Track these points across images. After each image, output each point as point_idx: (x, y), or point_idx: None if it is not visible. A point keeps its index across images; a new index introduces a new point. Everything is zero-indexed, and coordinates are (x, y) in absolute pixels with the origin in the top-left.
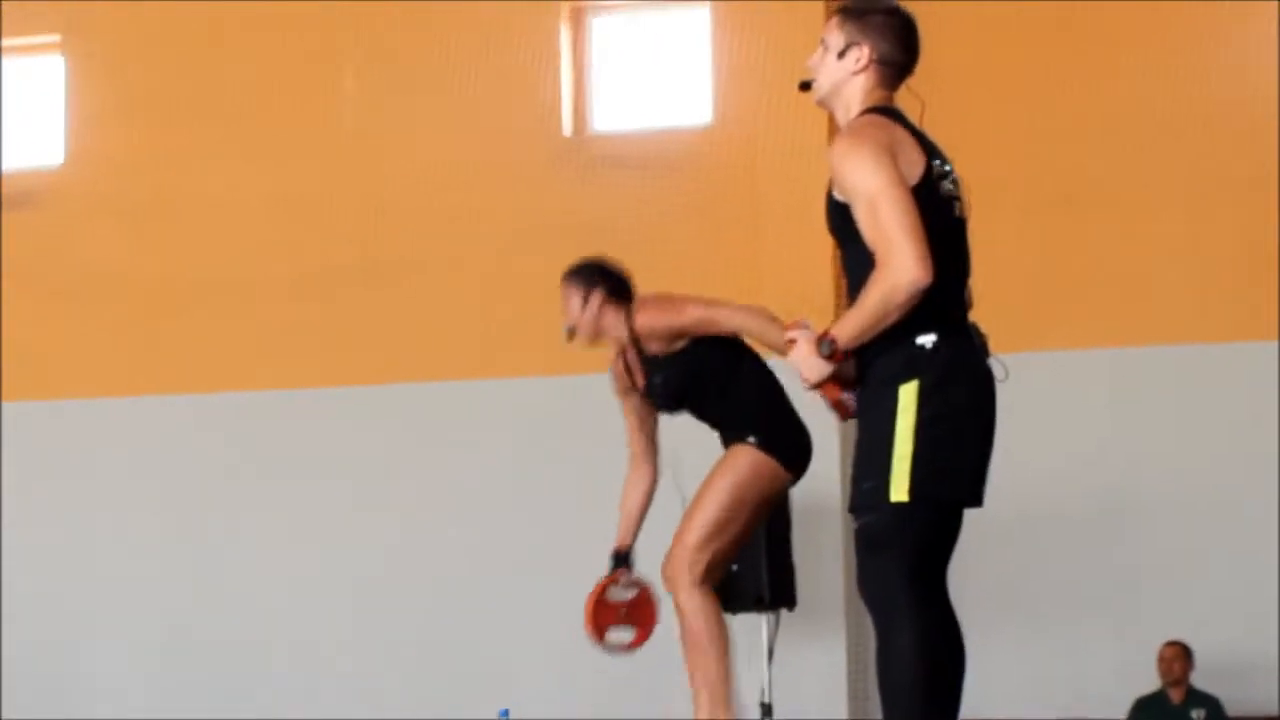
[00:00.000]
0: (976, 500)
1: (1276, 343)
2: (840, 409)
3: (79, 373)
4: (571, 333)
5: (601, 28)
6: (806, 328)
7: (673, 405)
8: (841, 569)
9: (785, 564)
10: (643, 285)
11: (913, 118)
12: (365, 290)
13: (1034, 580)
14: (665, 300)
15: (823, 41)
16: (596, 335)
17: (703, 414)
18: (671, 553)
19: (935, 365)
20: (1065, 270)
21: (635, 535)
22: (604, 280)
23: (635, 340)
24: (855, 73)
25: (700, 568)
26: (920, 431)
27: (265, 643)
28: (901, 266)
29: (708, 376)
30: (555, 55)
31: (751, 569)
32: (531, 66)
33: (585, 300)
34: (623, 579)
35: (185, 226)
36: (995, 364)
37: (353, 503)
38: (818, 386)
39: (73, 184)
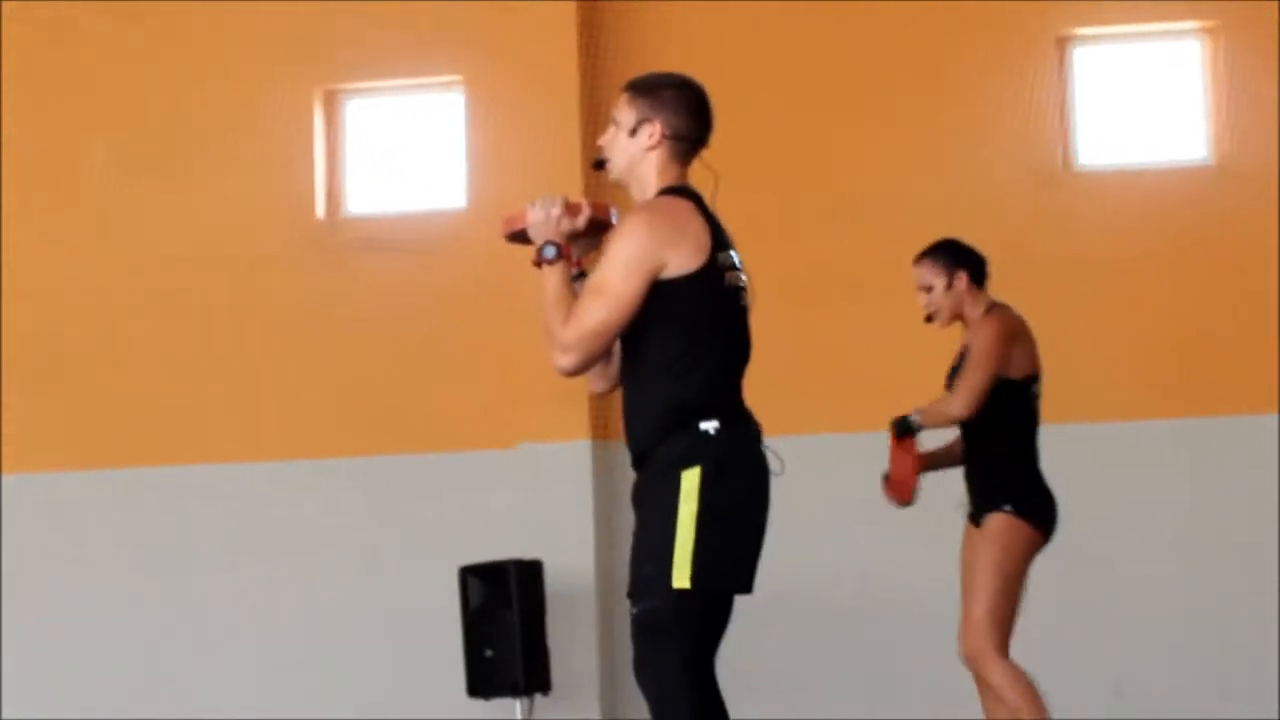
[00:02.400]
0: (748, 588)
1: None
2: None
3: None
4: (929, 318)
5: (356, 110)
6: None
7: None
8: (596, 653)
9: (540, 648)
10: (395, 368)
11: (705, 192)
12: (112, 374)
13: (792, 665)
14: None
15: (614, 119)
16: (954, 319)
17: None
18: (965, 632)
19: (717, 452)
20: (825, 355)
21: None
22: (969, 263)
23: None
24: (648, 149)
25: (998, 644)
26: (702, 518)
27: None
28: (564, 352)
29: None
30: (309, 138)
31: (506, 653)
32: (285, 149)
33: (950, 282)
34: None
35: None
36: (770, 454)
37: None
38: (517, 235)
39: None
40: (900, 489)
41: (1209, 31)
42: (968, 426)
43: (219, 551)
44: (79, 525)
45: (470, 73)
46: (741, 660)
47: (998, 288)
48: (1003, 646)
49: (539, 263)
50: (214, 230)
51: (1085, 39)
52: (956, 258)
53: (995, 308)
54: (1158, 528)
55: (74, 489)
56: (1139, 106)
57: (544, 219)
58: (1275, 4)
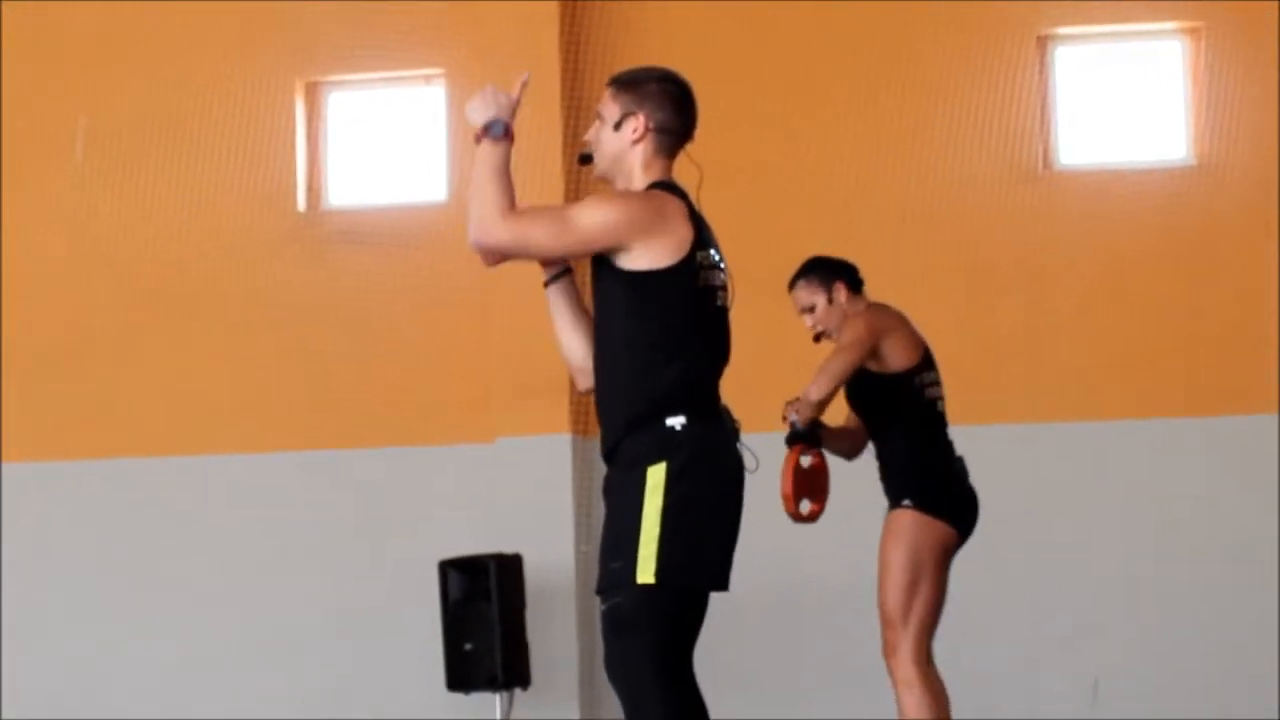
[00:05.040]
0: (723, 584)
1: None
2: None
3: None
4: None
5: (337, 103)
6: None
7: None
8: (575, 648)
9: (519, 642)
10: (374, 361)
11: (689, 187)
12: (89, 365)
13: (779, 661)
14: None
15: (598, 114)
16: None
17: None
18: (883, 634)
19: (685, 448)
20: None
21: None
22: (843, 273)
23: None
24: (633, 142)
25: (911, 641)
26: (668, 514)
27: None
28: (494, 225)
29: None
30: (290, 130)
31: (485, 647)
32: (266, 141)
33: (830, 297)
34: (807, 451)
35: None
36: (745, 451)
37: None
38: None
39: None
40: (784, 500)
41: (1190, 32)
42: (869, 426)
43: (197, 545)
44: (52, 516)
45: (452, 66)
46: (720, 657)
47: (977, 286)
48: (918, 646)
49: (480, 138)
50: (195, 221)
51: (1066, 38)
52: (830, 272)
53: (871, 306)
54: (1139, 526)
55: (49, 479)
56: (1120, 106)
57: (483, 100)
58: (1257, 5)
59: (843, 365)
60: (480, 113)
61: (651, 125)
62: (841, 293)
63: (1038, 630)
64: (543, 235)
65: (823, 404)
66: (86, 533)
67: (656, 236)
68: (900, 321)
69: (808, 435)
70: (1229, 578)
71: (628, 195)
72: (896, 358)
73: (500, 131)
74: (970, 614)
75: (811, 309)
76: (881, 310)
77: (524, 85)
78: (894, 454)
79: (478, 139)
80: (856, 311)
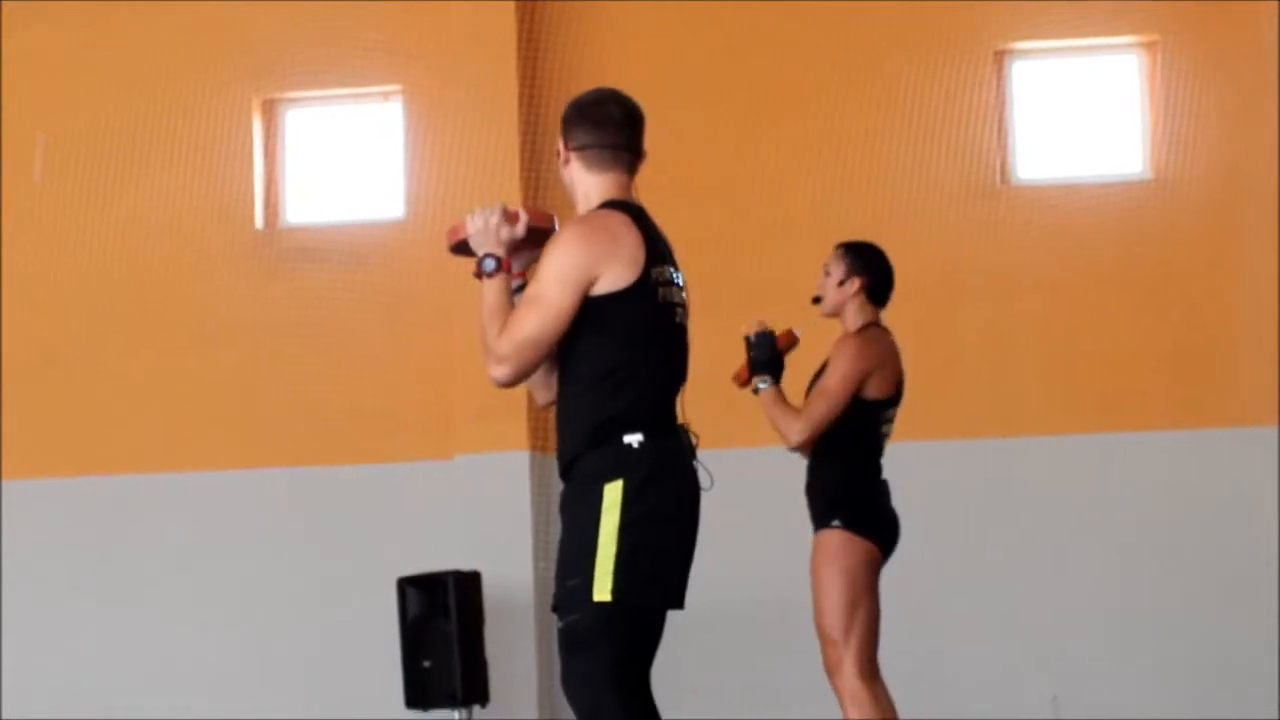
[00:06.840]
0: (678, 603)
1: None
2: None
3: None
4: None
5: (295, 120)
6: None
7: None
8: (534, 664)
9: (478, 660)
10: (332, 379)
11: (646, 203)
12: (46, 381)
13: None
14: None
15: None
16: (834, 314)
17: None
18: (823, 651)
19: (642, 465)
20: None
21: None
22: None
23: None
24: (565, 166)
25: (854, 657)
26: (625, 531)
27: None
28: (498, 362)
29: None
30: (247, 147)
31: (443, 664)
32: (223, 158)
33: (842, 280)
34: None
35: None
36: (702, 469)
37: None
38: (460, 247)
39: None
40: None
41: (1147, 46)
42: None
43: (154, 562)
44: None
45: (409, 82)
46: (674, 674)
47: (936, 300)
48: (861, 661)
49: (479, 274)
50: (152, 239)
51: (1023, 53)
52: (863, 264)
53: (869, 328)
54: (1100, 539)
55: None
56: (1077, 121)
57: (483, 228)
58: (1214, 19)
59: (826, 412)
60: (479, 243)
61: (573, 145)
62: (854, 286)
63: (1000, 645)
64: (533, 334)
65: (798, 447)
66: (32, 550)
67: (611, 258)
68: (889, 355)
69: (770, 366)
70: (1195, 593)
71: (571, 231)
72: (872, 389)
73: (492, 267)
74: (931, 629)
75: (828, 274)
76: (874, 338)
77: (524, 223)
78: (828, 476)
79: (476, 274)
80: (854, 329)
